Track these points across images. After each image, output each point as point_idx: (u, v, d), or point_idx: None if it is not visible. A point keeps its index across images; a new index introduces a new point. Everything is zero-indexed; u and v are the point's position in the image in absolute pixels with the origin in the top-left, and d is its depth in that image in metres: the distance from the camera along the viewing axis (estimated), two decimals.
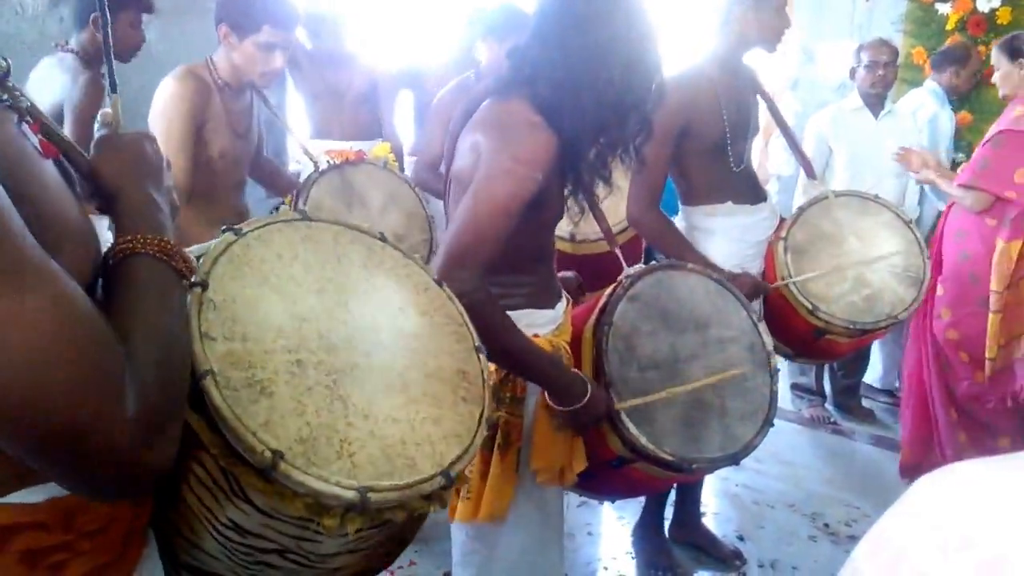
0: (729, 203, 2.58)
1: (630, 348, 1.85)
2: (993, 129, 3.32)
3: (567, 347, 1.80)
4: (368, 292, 1.23)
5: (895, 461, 3.60)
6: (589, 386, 1.67)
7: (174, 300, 0.92)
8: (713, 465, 1.87)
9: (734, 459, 1.86)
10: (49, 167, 0.89)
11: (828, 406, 4.29)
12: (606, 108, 1.61)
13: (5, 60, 0.91)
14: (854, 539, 3.04)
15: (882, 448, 3.98)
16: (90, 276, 0.88)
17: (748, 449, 1.87)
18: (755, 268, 2.62)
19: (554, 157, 1.59)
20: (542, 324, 1.79)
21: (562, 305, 1.87)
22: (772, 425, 1.92)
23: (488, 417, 1.21)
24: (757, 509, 3.34)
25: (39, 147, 0.91)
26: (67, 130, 2.39)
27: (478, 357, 1.29)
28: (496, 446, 1.73)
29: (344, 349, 1.12)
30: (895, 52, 3.99)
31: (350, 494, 0.98)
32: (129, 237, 0.91)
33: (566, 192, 1.75)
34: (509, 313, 1.68)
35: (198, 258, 1.08)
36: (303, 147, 2.85)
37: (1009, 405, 3.31)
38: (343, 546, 1.09)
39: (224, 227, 1.14)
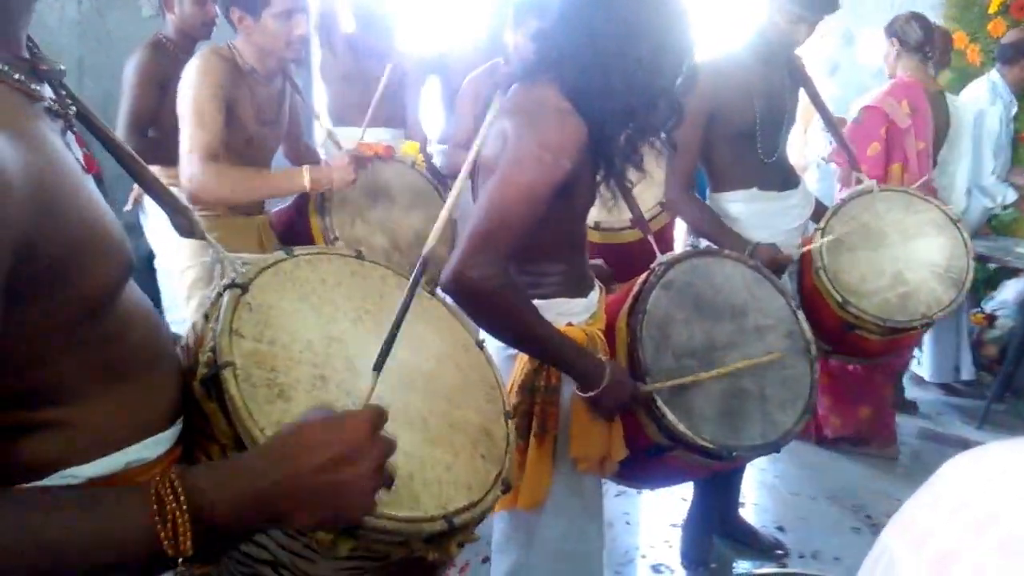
0: (754, 189, 2.59)
1: (665, 336, 1.83)
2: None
3: (601, 336, 1.79)
4: (406, 334, 1.21)
5: (940, 453, 3.55)
6: (608, 368, 1.64)
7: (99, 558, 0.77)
8: (754, 452, 1.85)
9: (775, 446, 1.83)
10: (89, 180, 0.90)
11: None
12: (635, 91, 1.59)
13: (61, 66, 0.92)
14: None
15: (926, 440, 3.93)
16: (120, 286, 0.89)
17: (788, 436, 1.84)
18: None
19: (583, 143, 1.57)
20: (576, 312, 1.78)
21: (596, 294, 1.86)
22: (813, 413, 1.90)
23: (505, 479, 1.18)
24: (798, 501, 3.31)
25: (82, 160, 0.91)
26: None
27: (506, 423, 1.27)
28: (532, 434, 1.73)
29: (368, 377, 1.10)
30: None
31: None
32: (175, 480, 0.79)
33: (597, 179, 1.74)
34: (542, 302, 1.69)
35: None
36: (332, 137, 2.84)
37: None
38: (336, 572, 1.07)
39: (278, 247, 1.16)
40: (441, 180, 3.01)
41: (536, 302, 1.67)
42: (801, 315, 2.02)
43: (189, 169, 2.30)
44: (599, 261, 2.17)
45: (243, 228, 2.57)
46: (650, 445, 1.82)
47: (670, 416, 1.73)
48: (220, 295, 1.09)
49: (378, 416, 0.87)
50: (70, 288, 0.81)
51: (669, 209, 2.61)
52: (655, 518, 3.16)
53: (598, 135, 1.61)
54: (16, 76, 0.82)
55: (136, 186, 2.92)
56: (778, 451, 1.87)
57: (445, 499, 1.08)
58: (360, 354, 1.14)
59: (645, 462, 1.89)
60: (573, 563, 1.86)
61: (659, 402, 1.74)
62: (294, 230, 2.65)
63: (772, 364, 1.89)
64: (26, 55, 0.88)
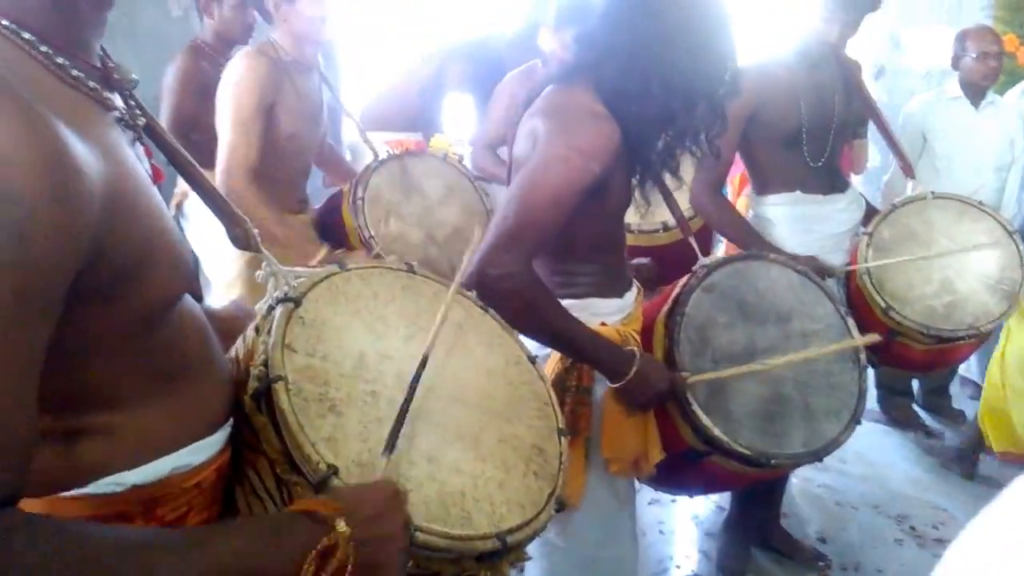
0: (797, 192, 2.56)
1: (704, 339, 1.80)
2: None
3: (636, 336, 1.77)
4: (458, 349, 1.24)
5: (986, 464, 3.46)
6: (637, 356, 1.63)
7: None
8: (794, 461, 1.80)
9: (817, 456, 1.79)
10: (156, 191, 0.91)
11: (915, 406, 4.13)
12: (674, 95, 1.59)
13: (133, 75, 0.94)
14: (941, 542, 2.95)
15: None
16: (180, 291, 0.92)
17: (833, 446, 1.80)
18: (835, 261, 2.57)
19: (616, 147, 1.58)
20: (608, 313, 1.77)
21: (631, 295, 1.84)
22: (859, 422, 1.85)
23: (558, 497, 1.18)
24: (840, 511, 3.24)
25: (150, 171, 0.93)
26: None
27: (559, 439, 1.26)
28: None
29: (422, 393, 1.11)
30: (1001, 40, 3.79)
31: None
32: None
33: (633, 182, 1.73)
34: (574, 301, 1.71)
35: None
36: (363, 135, 2.84)
37: None
38: None
39: (331, 261, 1.18)
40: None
41: (569, 302, 1.68)
42: (851, 322, 1.97)
43: (228, 182, 2.33)
44: (646, 260, 2.15)
45: (303, 227, 2.59)
46: (687, 450, 1.80)
47: (705, 419, 1.70)
48: (272, 308, 1.10)
49: (399, 495, 0.95)
50: (131, 296, 0.82)
51: (696, 210, 2.60)
52: (691, 527, 3.11)
53: (635, 139, 1.61)
54: (90, 84, 0.84)
55: (177, 191, 2.99)
56: (820, 460, 1.82)
57: (498, 517, 1.07)
58: (411, 371, 1.13)
59: (683, 467, 1.86)
60: (606, 568, 1.84)
61: (694, 405, 1.71)
62: (329, 228, 2.65)
63: (817, 371, 1.84)
64: (98, 64, 0.89)
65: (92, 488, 0.86)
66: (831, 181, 2.62)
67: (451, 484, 1.06)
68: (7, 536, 0.67)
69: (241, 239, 1.20)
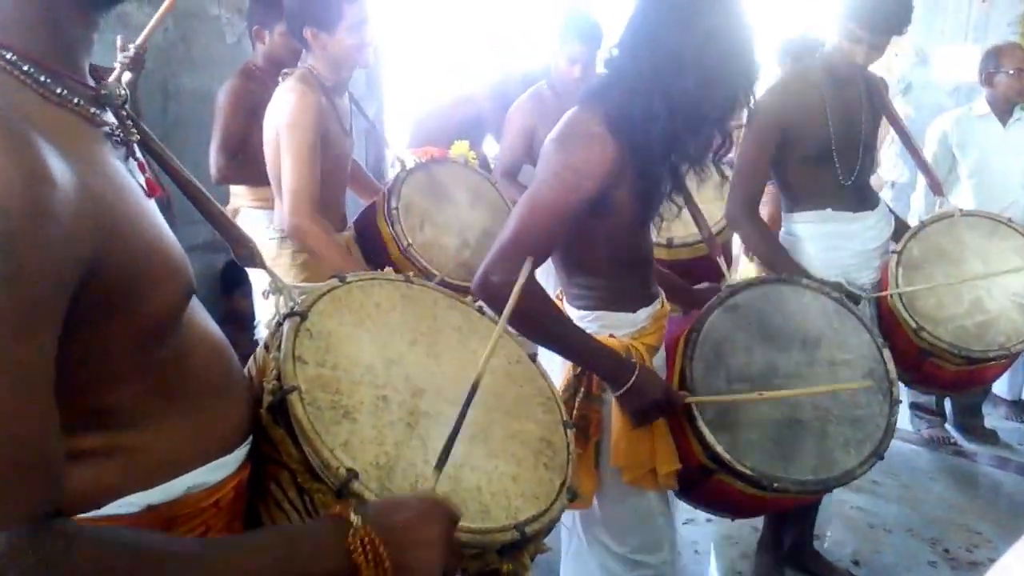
0: (828, 210, 2.56)
1: (719, 356, 1.80)
2: None
3: (642, 349, 1.79)
4: (460, 352, 1.28)
5: (1021, 484, 3.43)
6: (636, 368, 1.67)
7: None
8: (801, 488, 1.75)
9: (826, 485, 1.75)
10: (151, 204, 0.91)
11: (949, 426, 4.06)
12: (679, 118, 1.62)
13: (125, 90, 0.93)
14: (976, 565, 2.88)
15: (1007, 471, 3.74)
16: (182, 301, 0.90)
17: (846, 478, 1.75)
18: (865, 278, 2.58)
19: (611, 166, 1.61)
20: (618, 326, 1.81)
21: (647, 311, 1.85)
22: (881, 458, 1.79)
23: (570, 487, 1.21)
24: (873, 533, 3.19)
25: (144, 185, 0.92)
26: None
27: (565, 432, 1.29)
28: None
29: (429, 395, 1.16)
30: None
31: None
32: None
33: (654, 198, 1.76)
34: (585, 312, 1.80)
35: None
36: (397, 155, 2.89)
37: None
38: None
39: (332, 275, 1.25)
40: None
41: (581, 312, 1.81)
42: (887, 354, 1.93)
43: (294, 222, 2.40)
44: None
45: (337, 242, 2.58)
46: (698, 465, 1.80)
47: (709, 436, 1.71)
48: (280, 324, 1.13)
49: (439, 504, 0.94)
50: (133, 311, 0.82)
51: (730, 228, 2.62)
52: (726, 548, 3.07)
53: (641, 157, 1.65)
54: (75, 100, 0.84)
55: (228, 209, 3.04)
56: (829, 491, 1.78)
57: (514, 509, 1.10)
58: (418, 374, 1.18)
59: (700, 483, 1.86)
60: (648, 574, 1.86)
61: (699, 421, 1.71)
62: (367, 241, 2.68)
63: (842, 401, 1.81)
64: (90, 83, 0.88)
65: (107, 510, 0.85)
66: (861, 198, 2.61)
67: (466, 480, 1.08)
68: (60, 548, 0.69)
69: (246, 257, 1.23)
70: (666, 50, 1.60)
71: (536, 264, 1.58)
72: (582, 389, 1.78)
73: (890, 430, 1.83)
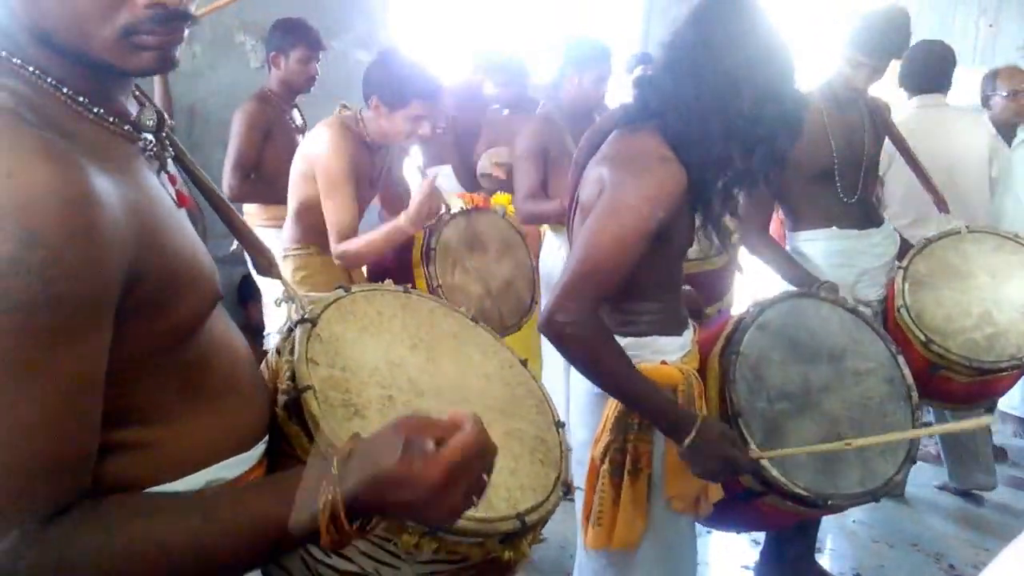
0: (833, 228, 2.58)
1: (759, 378, 1.76)
2: None
3: (697, 376, 1.73)
4: (456, 357, 1.34)
5: None
6: (697, 422, 1.58)
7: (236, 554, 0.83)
8: (851, 502, 1.74)
9: (874, 496, 1.73)
10: (181, 214, 0.95)
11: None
12: (735, 140, 1.59)
13: (161, 113, 0.97)
14: None
15: (1013, 488, 3.71)
16: (209, 307, 0.93)
17: (889, 486, 1.75)
18: (871, 295, 2.59)
19: (683, 191, 1.57)
20: (670, 351, 1.74)
21: (689, 332, 1.82)
22: (915, 462, 1.80)
23: (565, 482, 1.25)
24: (876, 547, 3.16)
25: (175, 197, 0.97)
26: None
27: (558, 431, 1.34)
28: (626, 472, 1.68)
29: (431, 395, 1.22)
30: None
31: None
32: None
33: (697, 222, 1.73)
34: (636, 339, 1.70)
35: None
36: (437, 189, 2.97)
37: None
38: None
39: (337, 285, 1.32)
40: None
41: (631, 340, 1.70)
42: (902, 360, 1.93)
43: (338, 251, 2.54)
44: (687, 287, 2.16)
45: (330, 265, 2.68)
46: (742, 490, 1.75)
47: (764, 461, 1.66)
48: (291, 330, 1.19)
49: (483, 431, 0.85)
50: (163, 316, 0.85)
51: (749, 250, 2.63)
52: (726, 560, 3.05)
53: (698, 181, 1.61)
54: (111, 119, 0.87)
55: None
56: (877, 500, 1.76)
57: (514, 500, 1.15)
58: (420, 376, 1.25)
59: (736, 506, 1.82)
60: None
61: (751, 444, 1.66)
62: (389, 276, 2.71)
63: (872, 411, 1.80)
64: (128, 110, 0.93)
65: None
66: (865, 216, 2.64)
67: None
68: (65, 543, 0.74)
69: (263, 266, 1.29)
70: (720, 71, 1.56)
71: (603, 300, 1.56)
72: (636, 423, 1.69)
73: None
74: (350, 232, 2.52)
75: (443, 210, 2.74)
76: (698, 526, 2.61)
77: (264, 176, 3.33)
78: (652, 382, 1.62)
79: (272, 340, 2.67)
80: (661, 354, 1.73)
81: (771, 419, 1.72)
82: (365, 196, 2.70)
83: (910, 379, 1.90)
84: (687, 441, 1.56)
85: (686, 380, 1.69)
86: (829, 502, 1.68)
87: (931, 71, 3.41)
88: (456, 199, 2.85)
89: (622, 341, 1.66)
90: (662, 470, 1.71)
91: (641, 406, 1.63)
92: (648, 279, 1.68)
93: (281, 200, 2.82)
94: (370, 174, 2.70)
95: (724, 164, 1.62)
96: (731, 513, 1.89)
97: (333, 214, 2.54)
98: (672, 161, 1.57)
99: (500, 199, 3.02)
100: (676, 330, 1.78)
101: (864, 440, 1.64)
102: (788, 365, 1.81)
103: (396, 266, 2.71)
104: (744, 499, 1.77)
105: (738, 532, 2.94)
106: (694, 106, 1.58)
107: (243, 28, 3.95)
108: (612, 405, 1.70)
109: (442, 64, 4.02)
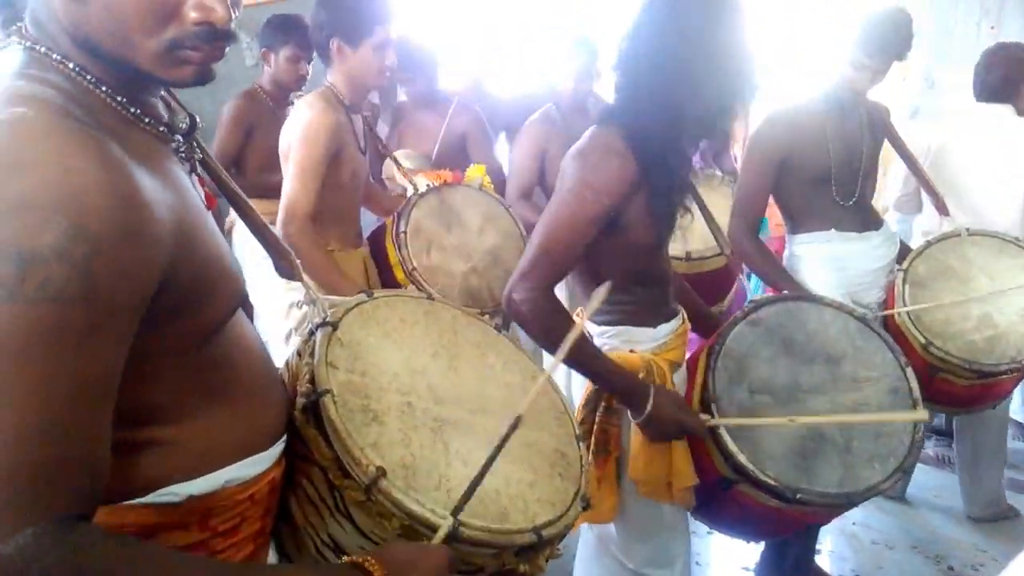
0: (832, 231, 2.57)
1: (742, 370, 1.78)
2: None
3: (663, 365, 1.77)
4: (478, 365, 1.34)
5: None
6: (651, 391, 1.66)
7: None
8: (824, 500, 1.71)
9: (850, 500, 1.72)
10: (209, 216, 0.97)
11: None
12: (687, 127, 1.65)
13: (193, 116, 1.00)
14: None
15: (1013, 491, 3.68)
16: (233, 308, 0.96)
17: (870, 493, 1.73)
18: (871, 297, 2.58)
19: (630, 182, 1.62)
20: (641, 341, 1.80)
21: (669, 327, 1.85)
22: (906, 474, 1.79)
23: (584, 496, 1.25)
24: (876, 549, 3.13)
25: (203, 198, 0.99)
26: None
27: (578, 445, 1.34)
28: (592, 452, 1.73)
29: (451, 403, 1.22)
30: None
31: (443, 522, 1.01)
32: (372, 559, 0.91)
33: (671, 214, 1.76)
34: (607, 328, 1.80)
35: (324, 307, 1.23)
36: (403, 172, 2.87)
37: None
38: None
39: (360, 291, 1.32)
40: None
41: (603, 328, 1.81)
42: (911, 373, 1.90)
43: (285, 230, 2.36)
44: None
45: (347, 261, 2.60)
46: (718, 476, 1.77)
47: (731, 445, 1.68)
48: (312, 333, 1.18)
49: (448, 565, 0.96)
50: (190, 317, 0.87)
51: (735, 252, 2.60)
52: (726, 560, 3.03)
53: (659, 175, 1.65)
54: (147, 120, 0.90)
55: (228, 219, 3.05)
56: (854, 505, 1.75)
57: (532, 514, 1.14)
58: (440, 384, 1.24)
59: (718, 497, 1.83)
60: None
61: (721, 430, 1.69)
62: (378, 260, 2.67)
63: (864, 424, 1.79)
64: (160, 112, 0.95)
65: (152, 498, 0.89)
66: (864, 219, 2.64)
67: (487, 484, 1.11)
68: (84, 549, 0.72)
69: (286, 269, 1.29)
70: (664, 61, 1.60)
71: (556, 281, 1.61)
72: (602, 404, 1.76)
73: (915, 446, 1.80)
74: (297, 219, 2.35)
75: (409, 191, 2.67)
76: (701, 527, 2.63)
77: (244, 172, 3.28)
78: (607, 357, 1.69)
79: (274, 343, 2.65)
80: (631, 343, 1.80)
81: (747, 408, 1.74)
82: (357, 168, 2.58)
83: (917, 392, 1.86)
84: (644, 411, 1.65)
85: (645, 366, 1.74)
86: (799, 495, 1.66)
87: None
88: (422, 178, 2.74)
89: (595, 329, 1.77)
90: (627, 453, 1.76)
91: (601, 379, 1.70)
92: (617, 272, 1.70)
93: (262, 195, 2.70)
94: (357, 142, 2.57)
95: (681, 151, 1.69)
96: (720, 507, 1.89)
97: (288, 189, 2.39)
98: (619, 154, 1.62)
99: (475, 171, 2.94)
100: (650, 322, 1.83)
101: (807, 419, 1.71)
102: (777, 362, 1.82)
103: (374, 246, 2.67)
104: (724, 488, 1.77)
105: (747, 540, 2.89)
106: (648, 98, 1.63)
107: (240, 24, 3.92)
108: (588, 385, 1.76)
109: (448, 61, 3.94)
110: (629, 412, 1.71)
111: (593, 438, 1.75)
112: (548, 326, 1.59)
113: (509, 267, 2.65)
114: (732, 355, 1.79)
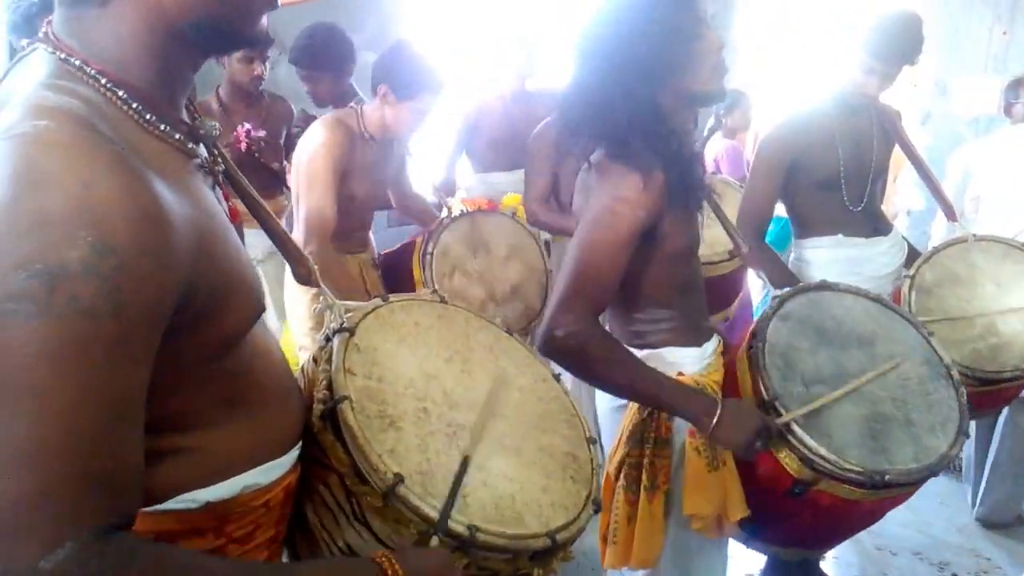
0: (839, 235, 2.56)
1: (789, 364, 1.70)
2: None
3: (715, 387, 1.68)
4: (491, 369, 1.33)
5: None
6: (720, 402, 1.53)
7: None
8: (910, 477, 1.62)
9: (932, 471, 1.64)
10: (232, 229, 0.97)
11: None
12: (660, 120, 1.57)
13: (218, 129, 1.00)
14: None
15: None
16: (254, 319, 0.96)
17: (944, 460, 1.66)
18: None
19: (660, 188, 1.53)
20: (687, 363, 1.69)
21: (711, 344, 1.76)
22: (968, 436, 1.73)
23: (595, 499, 1.24)
24: (880, 555, 3.12)
25: (227, 211, 0.99)
26: None
27: (589, 447, 1.32)
28: (643, 488, 1.62)
29: (465, 408, 1.22)
30: None
31: (458, 528, 1.02)
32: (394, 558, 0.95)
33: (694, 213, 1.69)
34: (650, 351, 1.67)
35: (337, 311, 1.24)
36: (440, 196, 2.94)
37: None
38: None
39: (375, 295, 1.32)
40: None
41: (645, 352, 1.66)
42: (935, 341, 1.88)
43: (305, 236, 2.43)
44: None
45: (346, 264, 2.63)
46: (793, 483, 1.64)
47: (809, 441, 1.57)
48: (329, 339, 1.19)
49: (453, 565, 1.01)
50: (211, 328, 0.87)
51: (739, 256, 2.60)
52: (731, 567, 2.99)
53: (674, 174, 1.57)
54: (176, 136, 0.89)
55: None
56: (936, 475, 1.68)
57: (546, 518, 1.14)
58: (455, 388, 1.24)
59: (788, 508, 1.72)
60: None
61: (795, 428, 1.59)
62: (397, 274, 2.69)
63: (913, 390, 1.75)
64: (185, 118, 0.95)
65: (170, 504, 0.90)
66: (873, 224, 2.62)
67: (501, 489, 1.13)
68: (124, 560, 0.72)
69: (303, 276, 1.28)
70: (617, 63, 1.54)
71: (602, 309, 1.52)
72: (652, 435, 1.64)
73: (964, 410, 1.77)
74: (316, 238, 2.42)
75: (444, 214, 2.71)
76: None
77: None
78: (664, 374, 1.57)
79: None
80: (677, 366, 1.67)
81: (808, 402, 1.65)
82: (367, 192, 2.63)
83: (947, 359, 1.85)
84: (715, 420, 1.50)
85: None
86: (887, 477, 1.58)
87: None
88: (459, 203, 2.81)
89: (637, 354, 1.61)
90: (679, 487, 1.65)
91: (663, 402, 1.57)
92: (653, 287, 1.64)
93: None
94: (371, 171, 2.62)
95: (684, 136, 1.63)
96: (787, 524, 1.80)
97: (304, 215, 2.45)
98: (638, 158, 1.54)
99: (510, 200, 2.98)
100: (695, 341, 1.72)
101: (872, 374, 1.70)
102: (818, 351, 1.76)
103: (399, 274, 2.69)
104: (799, 494, 1.65)
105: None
106: (618, 102, 1.55)
107: None
108: (628, 417, 1.66)
109: (454, 65, 3.95)
110: (697, 427, 1.57)
111: (644, 473, 1.64)
112: (603, 359, 1.49)
113: (528, 302, 2.73)
114: (776, 352, 1.72)
